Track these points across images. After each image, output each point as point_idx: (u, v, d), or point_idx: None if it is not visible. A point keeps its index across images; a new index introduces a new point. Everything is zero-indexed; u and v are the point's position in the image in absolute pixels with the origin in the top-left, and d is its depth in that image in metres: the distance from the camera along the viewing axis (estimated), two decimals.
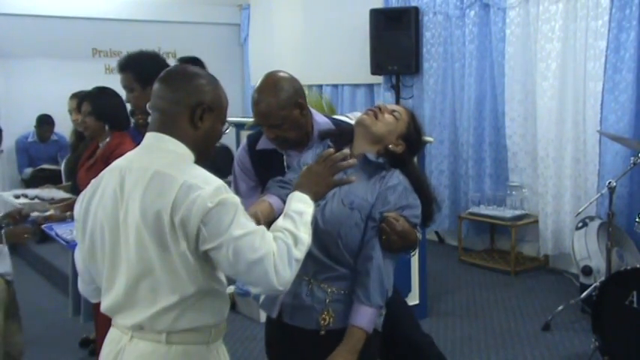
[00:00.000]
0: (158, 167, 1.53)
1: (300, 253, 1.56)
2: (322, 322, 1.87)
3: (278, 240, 1.54)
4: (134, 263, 1.55)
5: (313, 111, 2.28)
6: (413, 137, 2.00)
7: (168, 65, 2.94)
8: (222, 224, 1.48)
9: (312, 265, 1.86)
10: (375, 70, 6.12)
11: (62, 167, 5.22)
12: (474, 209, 5.39)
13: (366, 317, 1.82)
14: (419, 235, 1.94)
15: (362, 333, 1.82)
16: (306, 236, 1.59)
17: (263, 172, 2.26)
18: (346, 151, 1.77)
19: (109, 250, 1.59)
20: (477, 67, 5.50)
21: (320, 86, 6.87)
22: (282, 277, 1.51)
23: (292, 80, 2.18)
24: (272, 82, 2.14)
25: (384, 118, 1.95)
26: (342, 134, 2.08)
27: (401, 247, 1.87)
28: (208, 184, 1.50)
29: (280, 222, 1.61)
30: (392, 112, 1.98)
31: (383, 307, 1.88)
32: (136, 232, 1.52)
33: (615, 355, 3.22)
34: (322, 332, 1.87)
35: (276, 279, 1.50)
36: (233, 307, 4.54)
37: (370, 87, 6.62)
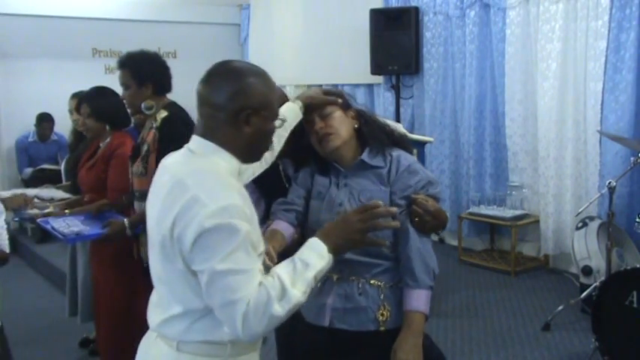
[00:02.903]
0: (182, 176, 1.45)
1: (281, 310, 1.39)
2: (380, 317, 1.87)
3: (262, 288, 1.39)
4: (155, 269, 1.54)
5: None
6: (342, 98, 1.98)
7: (167, 67, 2.95)
8: (211, 250, 1.36)
9: (357, 267, 1.87)
10: (375, 70, 6.12)
11: (62, 167, 5.23)
12: (474, 209, 5.39)
13: (420, 299, 1.85)
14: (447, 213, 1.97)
15: (420, 315, 1.85)
16: (297, 294, 1.41)
17: (262, 184, 2.28)
18: (394, 209, 1.65)
19: (151, 247, 1.55)
20: (478, 67, 5.50)
21: (320, 86, 6.85)
22: (249, 329, 1.37)
23: (279, 91, 2.21)
24: None
25: (332, 126, 1.92)
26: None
27: (434, 227, 1.90)
28: (214, 202, 1.37)
29: (281, 266, 1.47)
30: (323, 115, 1.95)
31: (432, 287, 1.89)
32: (155, 237, 1.49)
33: (615, 355, 3.22)
34: (382, 328, 1.86)
35: (241, 329, 1.37)
36: None
37: (370, 87, 6.62)
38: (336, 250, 1.51)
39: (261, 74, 1.56)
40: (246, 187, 2.33)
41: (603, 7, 4.55)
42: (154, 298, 1.60)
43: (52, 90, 6.52)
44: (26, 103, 6.75)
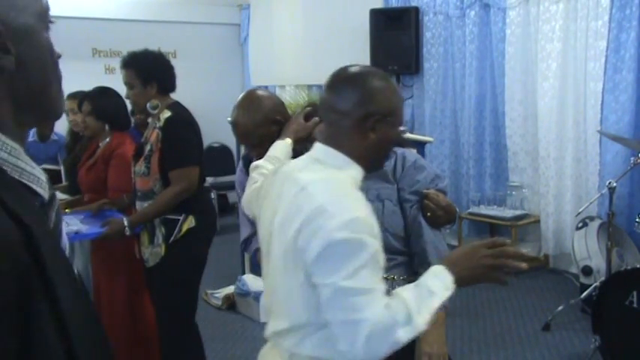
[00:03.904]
0: (306, 183, 1.40)
1: (404, 337, 1.31)
2: None
3: (388, 311, 1.31)
4: (272, 278, 1.50)
5: None
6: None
7: (171, 66, 2.95)
8: (336, 264, 1.30)
9: None
10: None
11: (62, 167, 5.22)
12: (474, 209, 5.39)
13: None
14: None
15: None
16: (422, 322, 1.33)
17: None
18: (530, 254, 1.65)
19: (265, 255, 1.54)
20: (478, 67, 5.50)
21: (320, 86, 6.86)
22: (371, 351, 1.30)
23: (268, 97, 2.20)
24: (246, 103, 2.16)
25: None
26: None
27: (446, 221, 1.92)
28: (343, 213, 1.32)
29: (406, 290, 1.39)
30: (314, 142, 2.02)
31: None
32: (275, 246, 1.45)
33: (615, 355, 3.22)
34: None
35: (362, 350, 1.29)
36: (233, 307, 4.54)
37: None
38: (459, 281, 1.41)
39: (386, 79, 1.52)
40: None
41: (603, 7, 4.55)
42: (265, 303, 1.58)
43: None
44: None
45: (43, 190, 0.81)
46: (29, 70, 0.80)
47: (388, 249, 1.89)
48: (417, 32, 5.91)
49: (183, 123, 2.82)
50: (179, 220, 2.80)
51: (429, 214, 1.87)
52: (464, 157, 5.73)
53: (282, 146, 1.96)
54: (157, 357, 3.01)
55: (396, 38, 5.92)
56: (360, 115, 1.44)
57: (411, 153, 1.99)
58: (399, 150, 1.96)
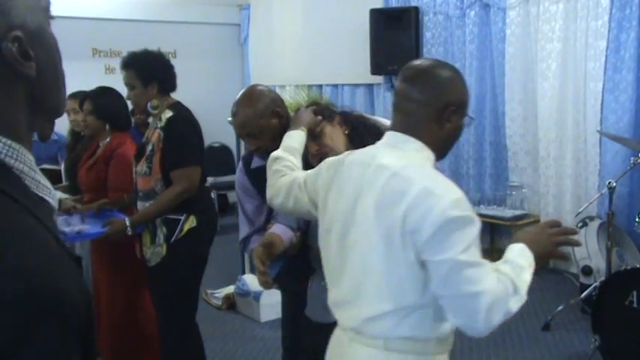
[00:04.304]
0: (398, 168, 1.46)
1: (515, 307, 1.41)
2: None
3: (500, 283, 1.40)
4: (360, 262, 1.50)
5: None
6: (327, 112, 2.08)
7: (171, 66, 2.95)
8: (452, 241, 1.37)
9: None
10: (375, 70, 6.11)
11: (62, 167, 5.22)
12: (474, 209, 5.34)
13: None
14: None
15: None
16: (524, 294, 1.44)
17: (263, 189, 2.30)
18: (575, 229, 1.75)
19: (339, 242, 1.55)
20: (478, 67, 5.50)
21: (320, 86, 6.87)
22: (491, 322, 1.38)
23: (269, 91, 2.26)
24: (248, 94, 2.22)
25: (327, 145, 2.00)
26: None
27: None
28: (449, 193, 1.41)
29: (503, 265, 1.48)
30: (316, 138, 2.03)
31: None
32: (366, 230, 1.48)
33: (615, 355, 3.22)
34: None
35: (484, 321, 1.37)
36: (233, 307, 4.54)
37: (370, 87, 6.62)
38: (536, 258, 1.53)
39: (459, 72, 1.64)
40: (247, 191, 2.35)
41: (603, 7, 4.55)
42: (343, 296, 1.56)
43: None
44: None
45: (54, 201, 0.81)
46: (44, 73, 0.78)
47: None
48: (417, 32, 5.91)
49: (184, 123, 2.82)
50: (180, 220, 2.80)
51: None
52: (464, 157, 5.73)
53: (297, 136, 1.98)
54: (157, 357, 3.01)
55: (396, 38, 5.92)
56: (439, 105, 1.52)
57: None
58: None
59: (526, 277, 1.47)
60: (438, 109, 1.52)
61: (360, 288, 1.51)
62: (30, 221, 0.70)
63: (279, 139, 2.16)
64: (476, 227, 1.41)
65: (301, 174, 1.79)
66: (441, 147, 1.58)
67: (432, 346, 1.51)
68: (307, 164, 2.02)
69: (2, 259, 0.63)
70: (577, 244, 1.71)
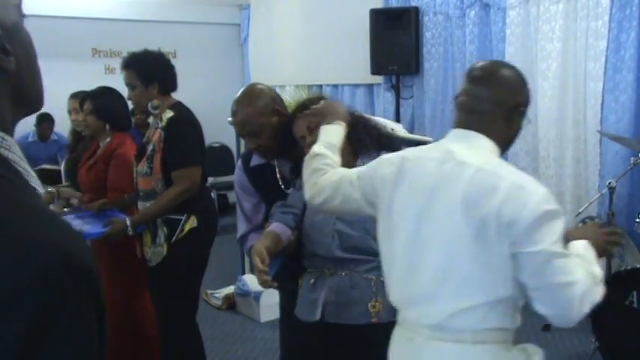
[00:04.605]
0: (481, 164, 1.52)
1: (598, 296, 1.50)
2: (372, 309, 1.87)
3: (588, 273, 1.50)
4: (442, 257, 1.51)
5: None
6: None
7: (172, 66, 2.95)
8: (545, 233, 1.43)
9: (350, 264, 1.87)
10: (375, 70, 6.11)
11: (62, 167, 5.23)
12: None
13: None
14: None
15: None
16: (602, 284, 1.54)
17: (261, 188, 2.30)
18: (621, 229, 1.88)
19: (410, 238, 1.56)
20: None
21: (320, 86, 6.87)
22: (582, 311, 1.46)
23: (269, 90, 2.26)
24: (248, 92, 2.23)
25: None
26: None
27: None
28: (539, 188, 1.49)
29: (579, 258, 1.56)
30: (310, 128, 1.98)
31: None
32: (450, 225, 1.50)
33: (615, 355, 3.22)
34: (374, 320, 1.86)
35: (577, 310, 1.45)
36: (233, 307, 4.54)
37: (370, 87, 6.62)
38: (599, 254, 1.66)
39: (524, 76, 1.74)
40: (245, 189, 2.35)
41: (603, 7, 4.55)
42: (417, 293, 1.56)
43: (52, 90, 6.40)
44: None
45: (41, 190, 0.84)
46: (23, 67, 0.82)
47: (369, 251, 1.89)
48: (417, 32, 5.91)
49: (185, 123, 2.82)
50: (181, 220, 2.80)
51: None
52: None
53: (336, 131, 1.89)
54: (157, 357, 3.01)
55: (396, 38, 5.92)
56: (510, 105, 1.61)
57: None
58: (382, 153, 1.93)
59: (598, 269, 1.56)
60: (509, 108, 1.60)
61: (443, 283, 1.52)
62: (42, 201, 0.74)
63: (279, 137, 2.16)
64: (563, 220, 1.48)
65: (350, 171, 1.77)
66: (506, 145, 1.64)
67: (512, 336, 1.60)
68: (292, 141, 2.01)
69: (29, 235, 0.65)
70: (621, 244, 1.87)
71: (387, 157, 1.69)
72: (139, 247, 2.96)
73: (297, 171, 2.08)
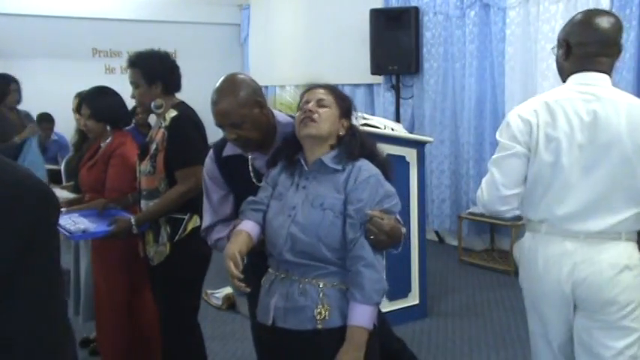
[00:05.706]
0: (627, 99, 1.99)
1: None
2: (318, 316, 1.85)
3: None
4: (611, 177, 1.96)
5: (276, 112, 2.27)
6: (347, 106, 2.01)
7: (177, 66, 2.96)
8: None
9: (300, 268, 1.86)
10: (375, 70, 6.12)
11: (62, 167, 5.22)
12: (475, 209, 5.39)
13: (365, 315, 1.82)
14: (403, 230, 1.93)
15: (364, 331, 1.81)
16: None
17: (232, 179, 2.26)
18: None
19: (577, 165, 1.98)
20: (478, 67, 5.50)
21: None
22: None
23: (250, 80, 2.19)
24: (230, 82, 2.14)
25: (320, 115, 1.91)
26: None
27: (388, 245, 1.88)
28: None
29: None
30: (320, 103, 1.94)
31: (379, 303, 1.88)
32: (614, 151, 1.94)
33: None
34: (320, 326, 1.85)
35: None
36: (233, 307, 4.54)
37: (370, 87, 6.62)
38: None
39: None
40: (214, 180, 2.31)
41: (603, 7, 4.55)
42: (584, 207, 1.99)
43: (52, 90, 6.51)
44: (26, 103, 6.73)
45: None
46: None
47: (319, 258, 1.87)
48: (417, 32, 5.92)
49: (189, 122, 2.82)
50: (184, 219, 2.80)
51: (371, 237, 1.82)
52: (464, 157, 5.73)
53: None
54: (157, 357, 3.01)
55: (396, 38, 5.92)
56: (620, 43, 2.10)
57: (369, 168, 1.90)
58: (357, 162, 1.91)
59: None
60: (620, 48, 2.10)
61: (609, 198, 1.97)
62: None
63: (259, 129, 2.13)
64: None
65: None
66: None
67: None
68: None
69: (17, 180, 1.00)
70: None
71: (525, 111, 2.20)
72: (141, 247, 2.95)
73: (273, 164, 2.06)
